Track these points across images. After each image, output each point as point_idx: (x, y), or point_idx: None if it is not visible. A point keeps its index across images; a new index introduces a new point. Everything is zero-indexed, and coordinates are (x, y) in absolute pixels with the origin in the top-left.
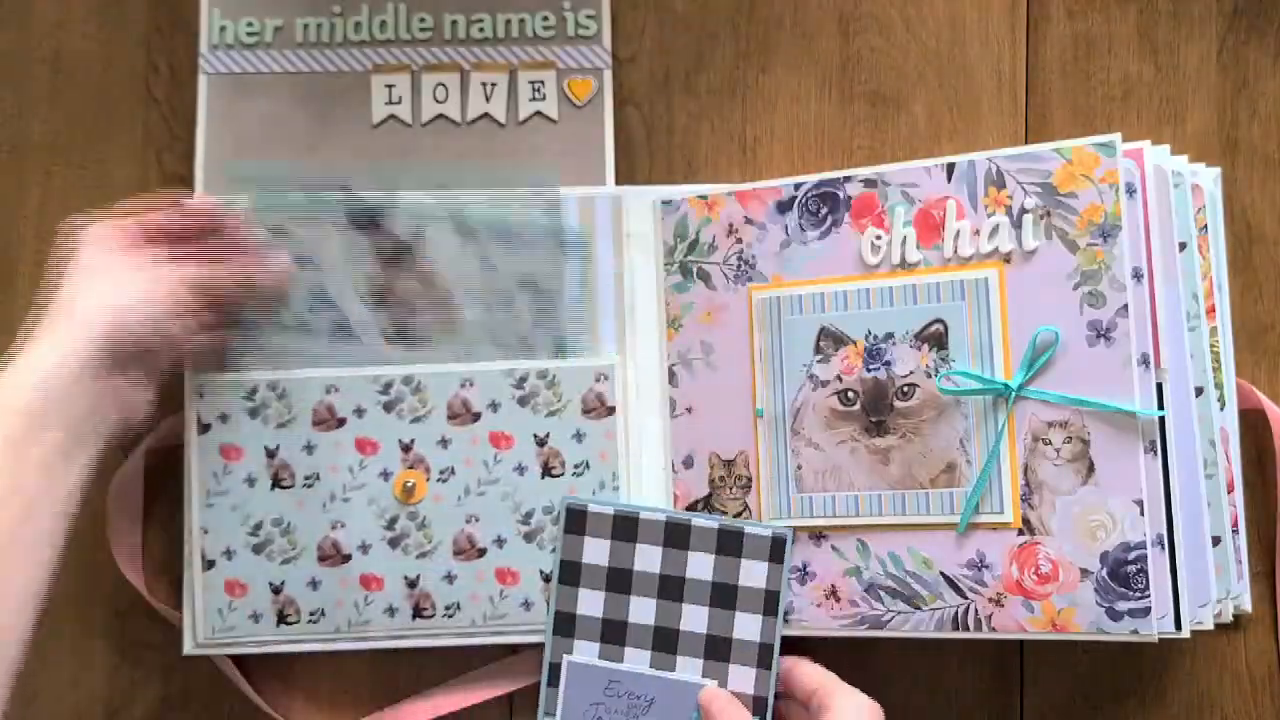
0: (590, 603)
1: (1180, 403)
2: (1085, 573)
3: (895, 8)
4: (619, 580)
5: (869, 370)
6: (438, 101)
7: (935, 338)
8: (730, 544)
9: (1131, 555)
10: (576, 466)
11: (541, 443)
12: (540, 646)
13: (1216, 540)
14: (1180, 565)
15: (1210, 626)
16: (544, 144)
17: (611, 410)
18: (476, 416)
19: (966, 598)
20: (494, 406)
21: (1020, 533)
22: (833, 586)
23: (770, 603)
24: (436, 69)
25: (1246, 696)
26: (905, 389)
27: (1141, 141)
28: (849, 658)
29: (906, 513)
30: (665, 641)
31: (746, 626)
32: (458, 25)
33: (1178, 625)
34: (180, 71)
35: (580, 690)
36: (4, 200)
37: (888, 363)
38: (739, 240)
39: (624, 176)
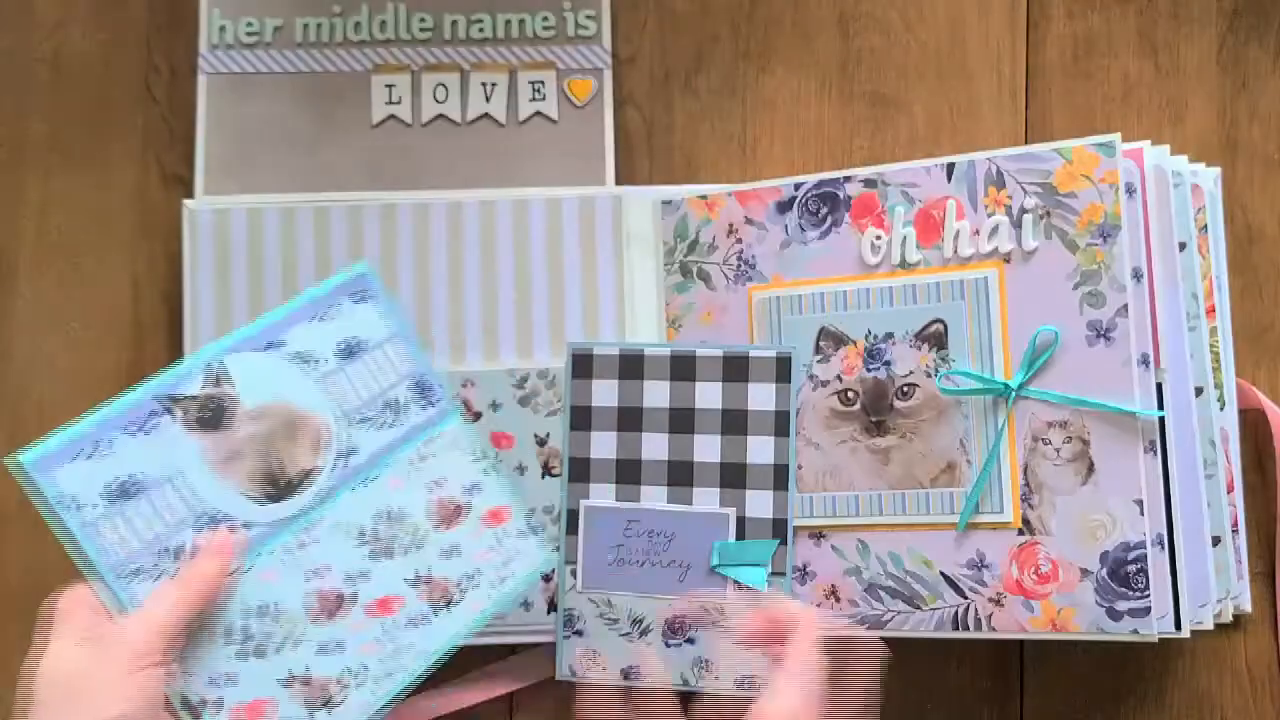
0: (603, 445)
1: (1180, 403)
2: (1085, 572)
3: (895, 8)
4: (630, 419)
5: (869, 370)
6: (438, 101)
7: (935, 337)
8: (736, 370)
9: (1131, 555)
10: None
11: (542, 443)
12: (540, 646)
13: (1216, 540)
14: (1180, 565)
15: (1210, 626)
16: (544, 144)
17: None
18: (478, 416)
19: (966, 597)
20: (494, 406)
21: (1020, 532)
22: (833, 586)
23: (781, 423)
24: (436, 69)
25: (1246, 696)
26: (905, 389)
27: (1141, 141)
28: None
29: (906, 512)
30: (680, 475)
31: (759, 450)
32: (458, 25)
33: (1178, 625)
34: (180, 71)
35: (600, 534)
36: (4, 200)
37: (888, 363)
38: (739, 240)
39: (624, 177)
